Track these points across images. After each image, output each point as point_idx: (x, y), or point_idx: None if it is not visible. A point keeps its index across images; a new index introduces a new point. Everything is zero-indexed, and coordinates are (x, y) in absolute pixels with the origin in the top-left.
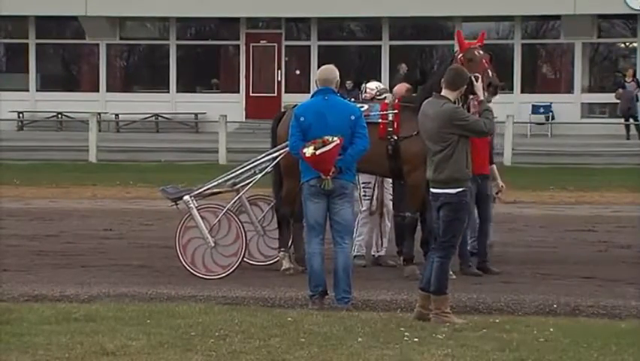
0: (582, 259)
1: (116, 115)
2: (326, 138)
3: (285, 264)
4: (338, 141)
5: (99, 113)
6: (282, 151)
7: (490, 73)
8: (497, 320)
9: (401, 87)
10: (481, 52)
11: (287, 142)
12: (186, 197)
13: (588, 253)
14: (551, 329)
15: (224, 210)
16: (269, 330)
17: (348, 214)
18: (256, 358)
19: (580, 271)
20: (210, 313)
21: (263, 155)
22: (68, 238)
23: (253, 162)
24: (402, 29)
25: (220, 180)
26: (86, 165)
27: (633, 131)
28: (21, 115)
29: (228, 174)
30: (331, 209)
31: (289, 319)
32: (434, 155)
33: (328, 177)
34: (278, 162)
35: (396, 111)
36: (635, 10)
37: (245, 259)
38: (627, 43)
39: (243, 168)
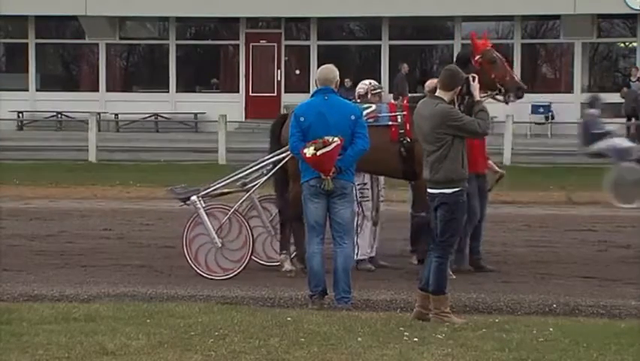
0: (582, 259)
1: (116, 115)
2: (326, 138)
3: (287, 266)
4: (338, 142)
5: (99, 113)
6: (289, 153)
7: (514, 75)
8: (497, 320)
9: (432, 82)
10: (497, 53)
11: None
12: (193, 197)
13: (588, 253)
14: (551, 329)
15: (232, 210)
16: (268, 330)
17: (348, 214)
18: (256, 358)
19: (580, 271)
20: (210, 312)
21: (271, 155)
22: (68, 238)
23: (261, 163)
24: (402, 29)
25: (228, 180)
26: (86, 164)
27: (633, 130)
28: (21, 115)
29: (235, 174)
30: (331, 209)
31: (289, 319)
32: (429, 155)
33: (328, 178)
34: (283, 164)
35: (405, 113)
36: (635, 9)
37: (253, 257)
38: (627, 43)
39: (250, 168)
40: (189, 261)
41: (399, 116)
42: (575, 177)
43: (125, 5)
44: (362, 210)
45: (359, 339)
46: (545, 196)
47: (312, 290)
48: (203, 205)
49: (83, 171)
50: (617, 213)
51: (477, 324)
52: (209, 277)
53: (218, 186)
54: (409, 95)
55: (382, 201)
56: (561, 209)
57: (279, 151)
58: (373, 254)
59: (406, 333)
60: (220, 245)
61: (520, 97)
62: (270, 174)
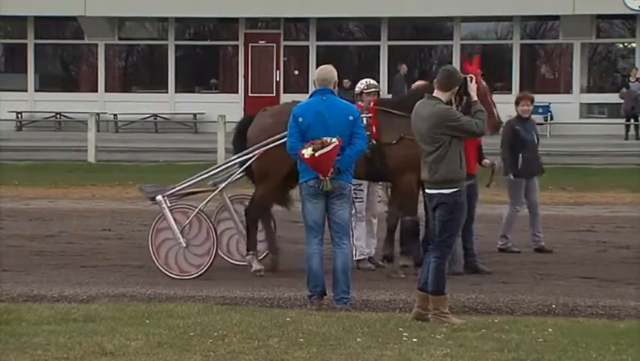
0: (581, 259)
1: (115, 115)
2: (325, 139)
3: (255, 265)
4: (337, 143)
5: (98, 114)
6: (254, 153)
7: (494, 110)
8: (496, 320)
9: (420, 83)
10: (484, 83)
11: (256, 145)
12: (158, 197)
13: (587, 253)
14: (550, 330)
15: (196, 210)
16: (268, 330)
17: (347, 215)
18: (255, 358)
19: (579, 271)
20: (209, 313)
21: (238, 155)
22: (67, 239)
23: (229, 162)
24: (401, 29)
25: (195, 180)
26: (85, 165)
27: (632, 131)
28: (20, 115)
29: (202, 173)
30: (330, 210)
31: (288, 319)
32: (427, 155)
33: (327, 178)
34: (250, 166)
35: (370, 115)
36: (634, 10)
37: (226, 258)
38: (626, 44)
39: (218, 167)
40: (153, 257)
41: (364, 119)
42: (574, 177)
43: (125, 6)
44: (355, 210)
45: (358, 340)
46: (545, 196)
47: (311, 291)
48: (169, 205)
49: (82, 172)
50: (617, 213)
51: (476, 324)
52: (184, 277)
53: (184, 185)
54: (379, 97)
55: (380, 202)
56: (560, 209)
57: (246, 151)
58: (372, 254)
59: (405, 333)
60: (185, 245)
61: (498, 131)
62: (238, 172)
